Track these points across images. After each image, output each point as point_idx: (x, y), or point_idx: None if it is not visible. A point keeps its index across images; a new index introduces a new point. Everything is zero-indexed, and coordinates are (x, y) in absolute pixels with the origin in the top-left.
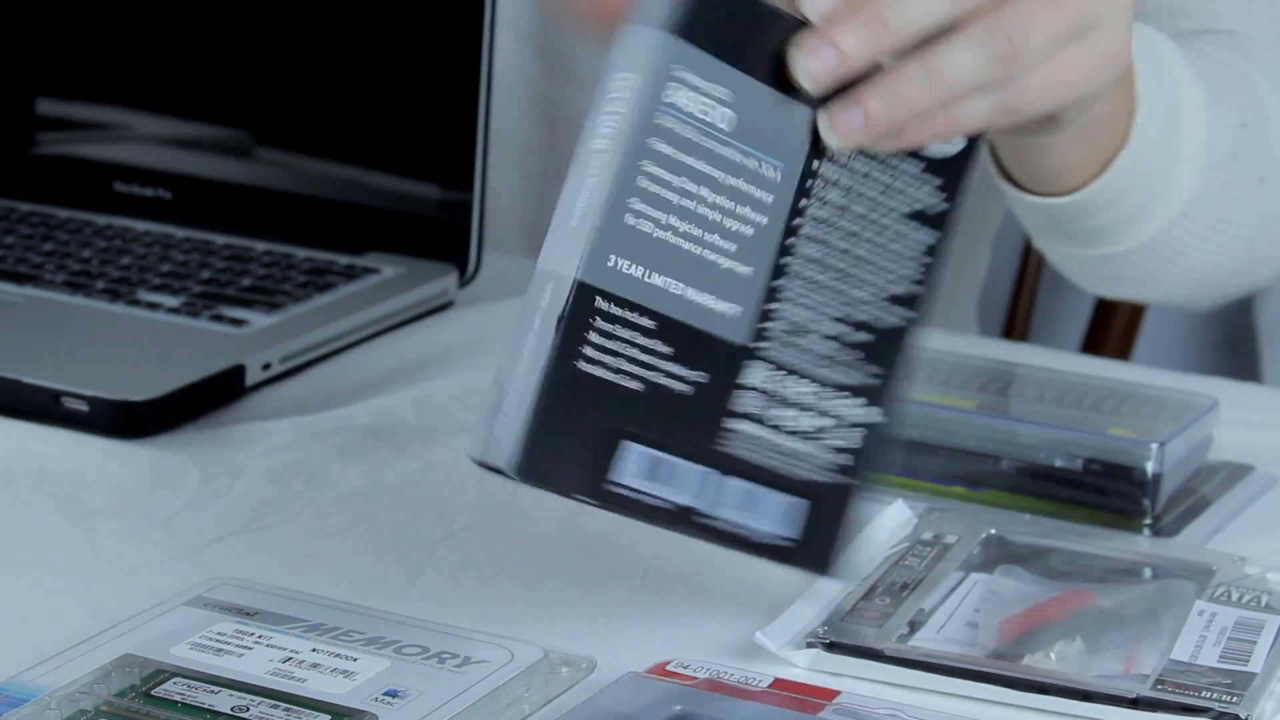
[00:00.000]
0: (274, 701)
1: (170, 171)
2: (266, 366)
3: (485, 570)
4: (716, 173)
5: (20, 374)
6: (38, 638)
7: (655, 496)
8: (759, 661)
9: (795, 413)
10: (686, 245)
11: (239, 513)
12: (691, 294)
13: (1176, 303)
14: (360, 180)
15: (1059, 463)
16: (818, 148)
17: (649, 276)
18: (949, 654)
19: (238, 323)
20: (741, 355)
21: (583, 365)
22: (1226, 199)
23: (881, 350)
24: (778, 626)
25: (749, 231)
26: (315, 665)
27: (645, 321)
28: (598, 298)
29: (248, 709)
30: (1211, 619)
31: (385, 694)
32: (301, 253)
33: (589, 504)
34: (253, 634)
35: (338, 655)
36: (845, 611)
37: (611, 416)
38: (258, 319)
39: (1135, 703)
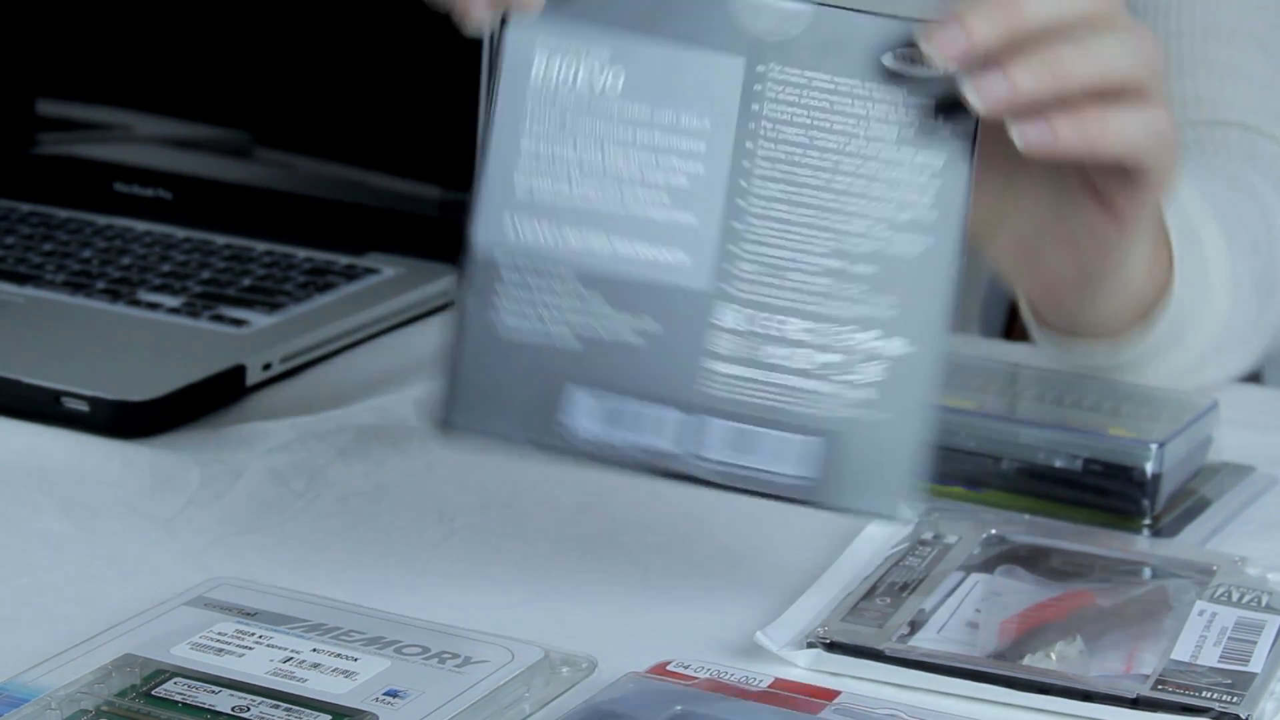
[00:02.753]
0: (274, 701)
1: (170, 171)
2: (267, 367)
3: (485, 570)
4: (623, 130)
5: (20, 374)
6: (38, 638)
7: (624, 443)
8: (759, 661)
9: (789, 350)
10: (602, 201)
11: (239, 513)
12: (622, 246)
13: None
14: (360, 180)
15: (1059, 463)
16: (752, 91)
17: (561, 233)
18: (949, 654)
19: (238, 323)
20: (708, 299)
21: (501, 322)
22: (1246, 323)
23: (894, 280)
24: (778, 626)
25: (682, 181)
26: (316, 665)
27: (567, 276)
28: (499, 253)
29: (248, 709)
30: (1212, 619)
31: (385, 694)
32: (302, 253)
33: (551, 452)
34: (253, 634)
35: (338, 655)
36: (845, 611)
37: (553, 368)
38: (258, 319)
39: (1135, 703)
